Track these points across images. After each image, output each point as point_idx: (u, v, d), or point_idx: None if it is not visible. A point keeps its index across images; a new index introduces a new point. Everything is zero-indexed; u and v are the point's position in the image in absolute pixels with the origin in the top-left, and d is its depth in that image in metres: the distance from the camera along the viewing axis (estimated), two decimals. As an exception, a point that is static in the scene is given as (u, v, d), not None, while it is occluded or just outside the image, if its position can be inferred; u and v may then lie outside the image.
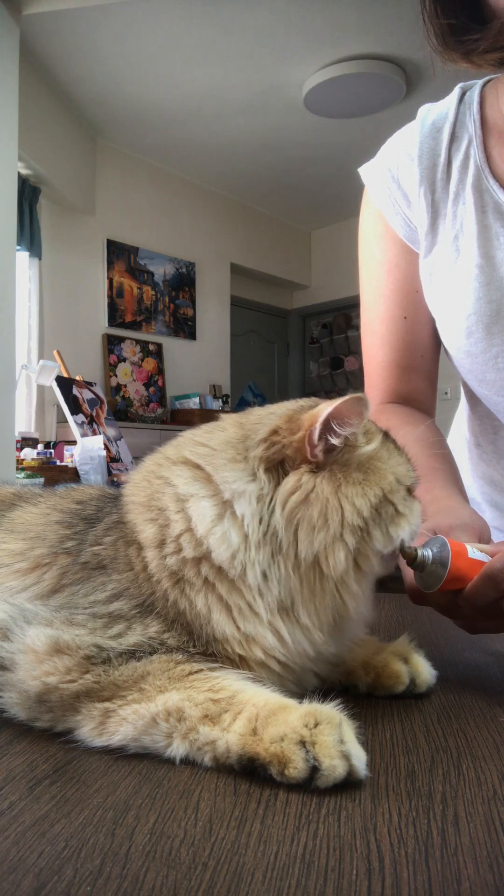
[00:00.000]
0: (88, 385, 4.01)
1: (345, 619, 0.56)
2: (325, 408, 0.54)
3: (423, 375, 1.04)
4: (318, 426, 0.53)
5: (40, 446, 4.03)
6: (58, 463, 3.77)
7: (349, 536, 0.54)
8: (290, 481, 0.54)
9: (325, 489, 0.54)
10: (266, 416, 0.59)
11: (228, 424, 0.60)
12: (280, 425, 0.56)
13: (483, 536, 0.73)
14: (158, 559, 0.55)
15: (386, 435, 0.60)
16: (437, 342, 1.03)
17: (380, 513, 0.55)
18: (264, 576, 0.53)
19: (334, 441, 0.54)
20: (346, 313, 7.30)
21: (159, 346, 5.99)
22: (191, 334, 6.27)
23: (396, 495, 0.57)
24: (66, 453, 3.86)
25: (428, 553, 0.62)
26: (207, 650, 0.53)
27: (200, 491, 0.55)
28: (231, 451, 0.57)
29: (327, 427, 0.54)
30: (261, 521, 0.53)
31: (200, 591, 0.53)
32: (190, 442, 0.60)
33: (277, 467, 0.55)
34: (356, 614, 0.57)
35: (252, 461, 0.55)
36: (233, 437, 0.58)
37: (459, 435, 1.16)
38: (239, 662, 0.54)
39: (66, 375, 3.90)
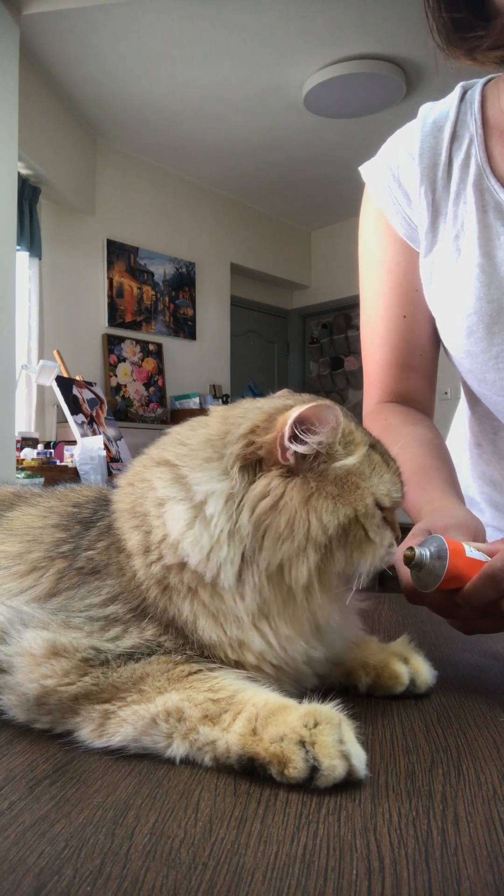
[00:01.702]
0: (88, 385, 4.01)
1: (321, 628, 0.56)
2: (293, 412, 0.51)
3: (422, 375, 1.04)
4: (286, 430, 0.51)
5: (40, 446, 4.03)
6: (58, 463, 3.77)
7: (311, 552, 0.52)
8: (260, 484, 0.52)
9: (294, 498, 0.52)
10: (251, 410, 0.56)
11: (213, 419, 0.59)
12: (258, 423, 0.54)
13: (478, 536, 0.73)
14: (145, 567, 0.54)
15: (373, 446, 0.58)
16: (436, 341, 1.03)
17: (347, 534, 0.53)
18: (239, 577, 0.52)
19: (300, 449, 0.52)
20: (346, 313, 7.30)
21: (159, 346, 5.99)
22: (191, 334, 6.27)
23: (370, 520, 0.54)
24: (66, 453, 3.86)
25: (425, 552, 0.62)
26: (203, 654, 0.53)
27: (178, 494, 0.54)
28: (209, 450, 0.55)
29: (294, 432, 0.52)
30: (229, 519, 0.52)
31: (186, 597, 0.53)
32: (172, 441, 0.59)
33: (254, 466, 0.53)
34: (328, 623, 0.56)
35: (228, 458, 0.53)
36: (214, 433, 0.56)
37: (459, 435, 1.16)
38: (234, 666, 0.53)
39: (66, 375, 3.90)
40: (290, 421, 0.51)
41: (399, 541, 0.60)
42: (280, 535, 0.52)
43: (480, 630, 0.67)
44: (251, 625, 0.53)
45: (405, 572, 0.65)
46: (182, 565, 0.53)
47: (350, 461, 0.54)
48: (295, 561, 0.52)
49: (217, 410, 0.60)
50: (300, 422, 0.51)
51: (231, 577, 0.52)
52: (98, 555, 0.58)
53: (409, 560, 0.62)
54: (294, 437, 0.52)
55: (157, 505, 0.55)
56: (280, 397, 0.61)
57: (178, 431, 0.60)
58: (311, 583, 0.53)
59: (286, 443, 0.52)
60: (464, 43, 0.79)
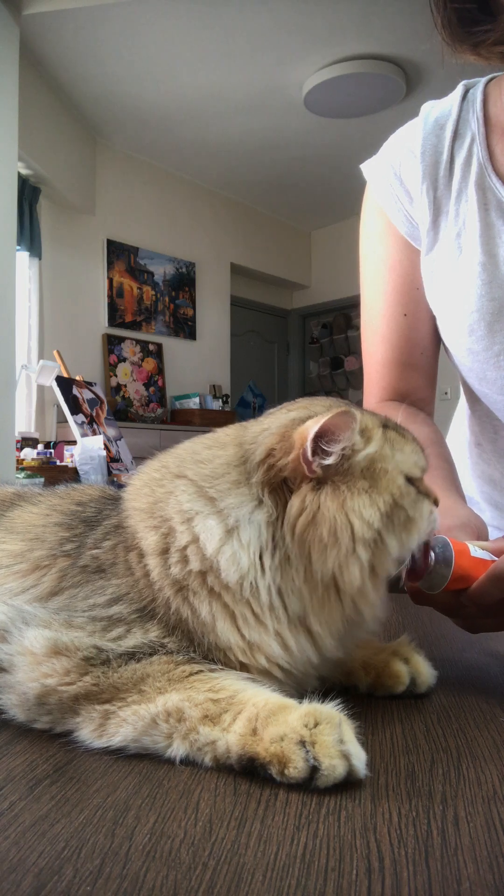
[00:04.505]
0: (88, 385, 4.01)
1: (357, 625, 0.56)
2: (312, 426, 0.52)
3: (423, 373, 1.04)
4: (308, 445, 0.52)
5: (40, 446, 4.04)
6: (58, 463, 3.77)
7: (362, 551, 0.52)
8: (295, 504, 0.52)
9: (330, 506, 0.52)
10: (261, 434, 0.56)
11: (228, 441, 0.58)
12: (274, 446, 0.54)
13: (482, 535, 0.73)
14: (161, 567, 0.54)
15: (386, 425, 0.58)
16: (436, 340, 1.03)
17: (392, 520, 0.54)
18: (279, 592, 0.53)
19: (327, 460, 0.52)
20: (346, 313, 7.30)
21: (159, 346, 5.99)
22: (191, 334, 6.27)
23: (407, 499, 0.55)
24: (66, 453, 3.86)
25: (431, 554, 0.62)
26: (208, 657, 0.53)
27: (206, 508, 0.54)
28: (234, 474, 0.55)
29: (317, 445, 0.52)
30: (276, 547, 0.52)
31: (205, 600, 0.53)
32: (190, 459, 0.58)
33: (282, 486, 0.53)
34: (372, 618, 0.56)
35: (255, 486, 0.54)
36: (233, 457, 0.56)
37: (459, 435, 1.16)
38: (240, 669, 0.53)
39: (66, 375, 3.90)
40: (310, 437, 0.51)
41: (437, 503, 0.60)
42: (325, 546, 0.52)
43: (485, 629, 0.67)
44: (274, 630, 0.53)
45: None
46: (206, 572, 0.53)
47: (371, 448, 0.54)
48: (346, 565, 0.52)
49: (227, 433, 0.60)
50: (321, 435, 0.52)
51: (274, 593, 0.52)
52: (104, 553, 0.58)
53: None
54: (316, 451, 0.52)
55: (181, 512, 0.55)
56: (283, 410, 0.61)
57: (193, 450, 0.60)
58: (363, 582, 0.53)
59: (310, 458, 0.52)
60: (469, 37, 0.79)
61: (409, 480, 0.56)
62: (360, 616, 0.55)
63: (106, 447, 3.62)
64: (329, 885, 0.34)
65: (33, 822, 0.40)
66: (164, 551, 0.54)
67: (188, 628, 0.53)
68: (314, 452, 0.52)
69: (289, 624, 0.53)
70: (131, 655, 0.51)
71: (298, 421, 0.55)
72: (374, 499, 0.53)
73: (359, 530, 0.52)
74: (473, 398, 1.04)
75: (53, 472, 3.50)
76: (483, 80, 0.95)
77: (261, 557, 0.52)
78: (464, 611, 0.64)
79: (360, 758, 0.45)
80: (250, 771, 0.45)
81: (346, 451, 0.53)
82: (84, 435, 3.64)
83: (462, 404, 1.13)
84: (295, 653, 0.54)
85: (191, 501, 0.55)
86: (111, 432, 3.96)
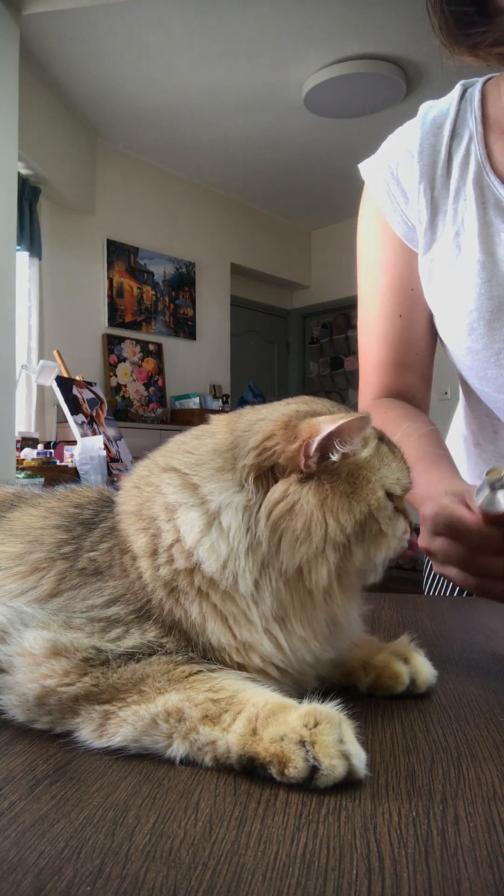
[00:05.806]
0: (88, 385, 4.01)
1: (338, 626, 0.56)
2: (327, 424, 0.52)
3: (418, 373, 1.04)
4: (317, 440, 0.52)
5: (40, 446, 4.03)
6: (58, 463, 3.77)
7: (331, 552, 0.52)
8: (278, 489, 0.53)
9: (310, 501, 0.52)
10: (257, 423, 0.57)
11: (218, 428, 0.59)
12: (275, 431, 0.54)
13: None
14: (152, 569, 0.54)
15: (381, 438, 0.58)
16: (432, 340, 1.03)
17: (364, 530, 0.54)
18: (256, 585, 0.52)
19: (333, 458, 0.53)
20: (345, 313, 7.30)
21: (159, 346, 5.99)
22: (191, 334, 6.27)
23: (382, 513, 0.55)
24: (66, 453, 3.86)
25: None
26: (206, 656, 0.53)
27: (189, 500, 0.54)
28: (219, 460, 0.55)
29: (328, 443, 0.52)
30: (248, 530, 0.52)
31: (195, 600, 0.53)
32: (178, 450, 0.59)
33: (267, 474, 0.54)
34: (347, 621, 0.56)
35: (241, 470, 0.54)
36: (221, 443, 0.56)
37: (458, 435, 1.16)
38: (237, 669, 0.53)
39: (66, 375, 3.90)
40: (322, 433, 0.52)
41: (412, 526, 0.60)
42: (297, 539, 0.52)
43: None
44: (263, 628, 0.53)
45: (471, 512, 0.65)
46: (192, 570, 0.53)
47: (364, 454, 0.55)
48: (314, 563, 0.52)
49: (220, 419, 0.60)
50: (335, 434, 0.52)
51: (248, 585, 0.52)
52: (101, 556, 0.58)
53: (496, 477, 0.61)
54: (322, 447, 0.52)
55: (166, 509, 0.55)
56: (282, 404, 0.61)
57: (182, 441, 0.60)
58: (331, 583, 0.53)
59: (311, 452, 0.52)
60: (466, 38, 0.80)
61: (389, 496, 0.56)
62: (336, 617, 0.55)
63: (106, 447, 3.62)
64: (329, 885, 0.34)
65: (33, 822, 0.40)
66: (154, 553, 0.55)
67: (183, 628, 0.53)
68: (318, 448, 0.52)
69: (276, 621, 0.53)
70: (130, 656, 0.52)
71: (304, 413, 0.55)
72: (352, 505, 0.53)
73: (332, 531, 0.52)
74: (473, 398, 1.04)
75: (53, 473, 3.50)
76: (481, 79, 0.96)
77: (238, 544, 0.52)
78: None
79: (360, 758, 0.45)
80: (250, 771, 0.45)
81: (348, 454, 0.53)
82: (84, 435, 3.64)
83: (461, 404, 1.13)
84: (288, 651, 0.54)
85: (175, 493, 0.55)
86: (111, 432, 3.96)
